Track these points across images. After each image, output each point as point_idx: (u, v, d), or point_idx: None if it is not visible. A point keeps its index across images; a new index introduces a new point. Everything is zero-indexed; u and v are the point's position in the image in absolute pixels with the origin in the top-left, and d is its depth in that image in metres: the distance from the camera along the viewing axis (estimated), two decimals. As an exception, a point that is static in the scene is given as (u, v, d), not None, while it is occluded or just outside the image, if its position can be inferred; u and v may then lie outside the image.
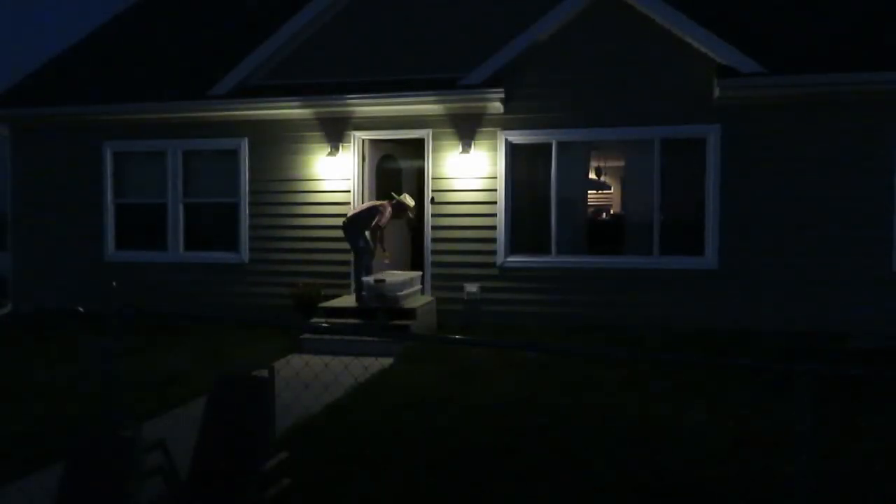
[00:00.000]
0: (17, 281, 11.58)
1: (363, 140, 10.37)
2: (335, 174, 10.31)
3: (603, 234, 10.80)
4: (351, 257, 10.08)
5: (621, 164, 12.00)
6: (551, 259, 9.72)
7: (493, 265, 9.84)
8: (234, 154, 10.66)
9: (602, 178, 16.79)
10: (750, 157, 9.11)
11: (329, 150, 10.28)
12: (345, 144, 10.28)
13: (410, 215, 10.02)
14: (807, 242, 8.98)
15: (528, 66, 9.61)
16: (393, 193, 9.84)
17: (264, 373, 3.92)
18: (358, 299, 9.38)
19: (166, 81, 11.12)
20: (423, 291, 9.94)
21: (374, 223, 9.33)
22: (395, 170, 11.22)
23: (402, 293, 9.19)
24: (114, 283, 10.71)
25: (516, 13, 9.58)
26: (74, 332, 8.53)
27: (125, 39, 12.81)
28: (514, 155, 9.82)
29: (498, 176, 9.80)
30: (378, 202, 9.67)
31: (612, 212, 17.36)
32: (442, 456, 5.06)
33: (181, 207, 10.93)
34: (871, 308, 8.76)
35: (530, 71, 9.63)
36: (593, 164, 14.75)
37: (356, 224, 9.44)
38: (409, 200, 9.71)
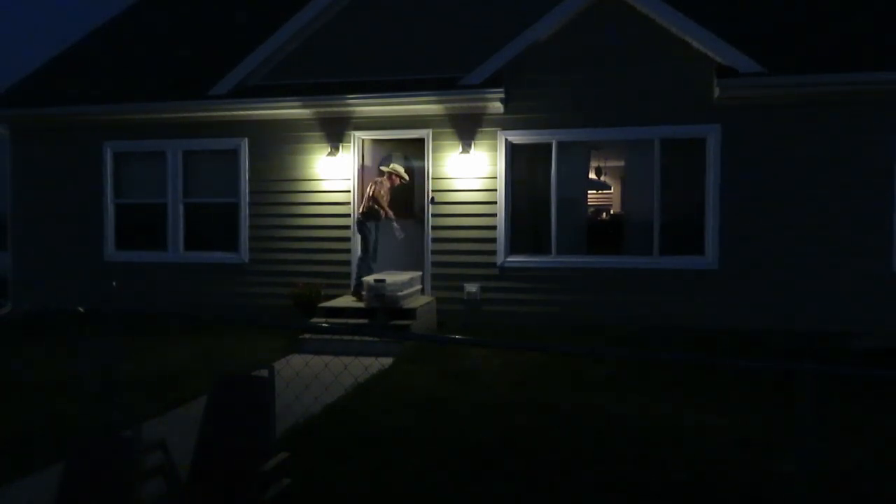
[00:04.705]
0: (17, 281, 11.57)
1: (363, 140, 10.37)
2: (335, 174, 10.31)
3: (603, 234, 10.76)
4: (350, 257, 10.08)
5: (621, 164, 11.96)
6: (551, 259, 9.72)
7: (493, 265, 9.83)
8: (234, 154, 10.66)
9: (602, 178, 16.73)
10: (750, 157, 9.11)
11: (329, 150, 10.28)
12: (345, 144, 10.29)
13: (405, 180, 9.90)
14: (807, 242, 8.98)
15: (528, 66, 9.61)
16: (381, 167, 10.00)
17: (264, 373, 3.91)
18: (356, 295, 9.47)
19: (166, 81, 11.12)
20: (423, 291, 9.94)
21: (378, 194, 9.52)
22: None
23: (402, 293, 9.18)
24: (114, 283, 10.71)
25: (516, 13, 9.59)
26: (74, 333, 8.52)
27: (125, 39, 12.81)
28: (514, 155, 9.82)
29: (498, 176, 9.80)
30: (372, 182, 9.77)
31: (612, 212, 17.32)
32: (442, 456, 5.06)
33: (181, 207, 10.93)
34: (872, 308, 8.76)
35: (530, 71, 9.63)
36: (593, 164, 14.71)
37: (370, 215, 9.59)
38: (400, 169, 9.82)
